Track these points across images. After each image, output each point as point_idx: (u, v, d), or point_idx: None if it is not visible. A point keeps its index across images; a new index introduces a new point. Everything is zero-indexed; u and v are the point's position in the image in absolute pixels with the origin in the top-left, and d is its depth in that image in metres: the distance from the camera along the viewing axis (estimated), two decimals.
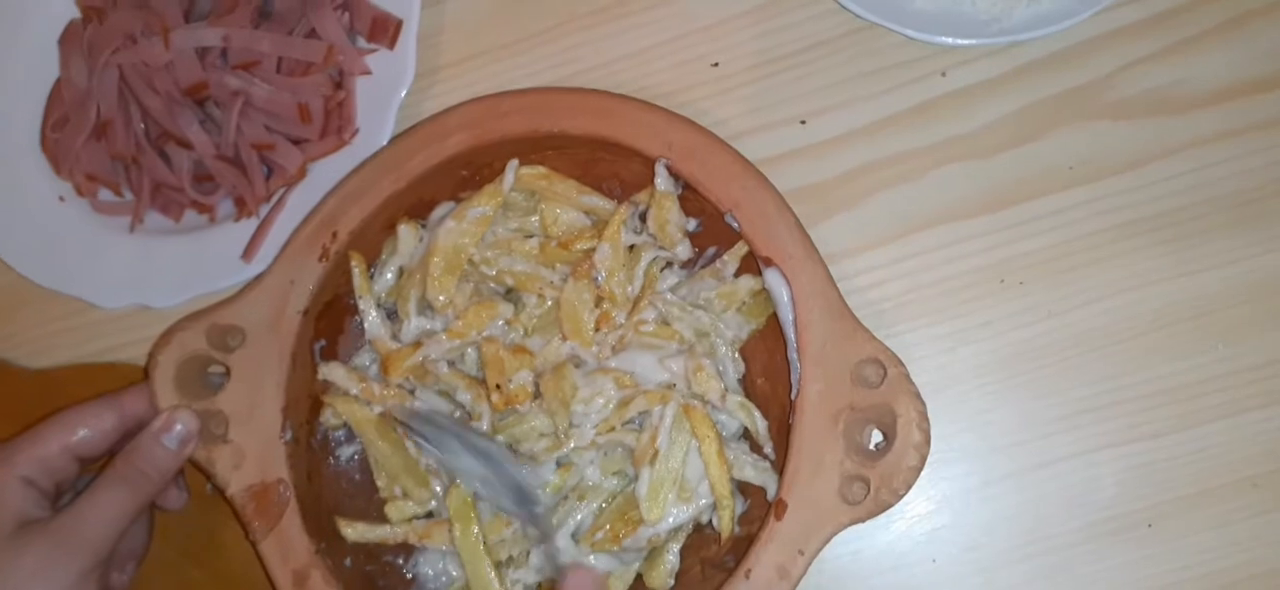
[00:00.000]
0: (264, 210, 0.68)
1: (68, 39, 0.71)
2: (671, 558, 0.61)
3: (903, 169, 0.65)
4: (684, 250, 0.63)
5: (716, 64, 0.68)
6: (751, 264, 0.61)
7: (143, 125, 0.69)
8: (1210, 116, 0.63)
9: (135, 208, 0.70)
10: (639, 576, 0.61)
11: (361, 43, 0.69)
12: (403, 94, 0.67)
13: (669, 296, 0.62)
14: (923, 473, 0.60)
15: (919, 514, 0.63)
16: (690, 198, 0.62)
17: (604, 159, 0.63)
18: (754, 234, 0.59)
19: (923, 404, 0.55)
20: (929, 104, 0.65)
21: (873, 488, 0.55)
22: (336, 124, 0.68)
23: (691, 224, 0.64)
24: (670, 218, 0.62)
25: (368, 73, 0.68)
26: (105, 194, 0.72)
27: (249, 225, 0.68)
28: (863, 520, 0.55)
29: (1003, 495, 0.62)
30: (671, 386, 0.60)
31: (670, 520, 0.59)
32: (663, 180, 0.61)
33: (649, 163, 0.62)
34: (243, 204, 0.68)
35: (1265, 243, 0.62)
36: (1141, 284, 0.63)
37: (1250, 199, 0.63)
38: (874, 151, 0.66)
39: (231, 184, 0.68)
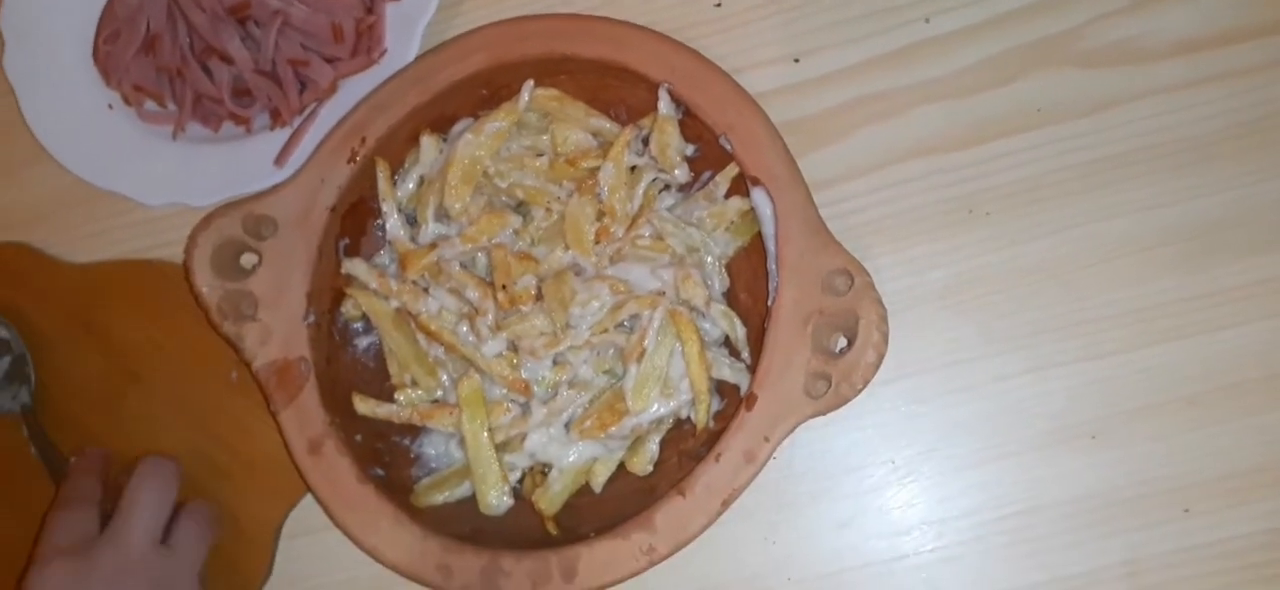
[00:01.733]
0: (297, 122, 0.74)
1: None
2: (652, 447, 0.66)
3: (885, 106, 0.70)
4: (681, 174, 0.68)
5: (719, 4, 0.73)
6: (741, 186, 0.66)
7: (188, 40, 0.75)
8: (1169, 67, 0.67)
9: (178, 117, 0.76)
10: (621, 464, 0.66)
11: None
12: (428, 19, 0.73)
13: (664, 214, 0.67)
14: (887, 384, 0.66)
15: (881, 420, 0.68)
16: (689, 124, 0.67)
17: (612, 85, 0.68)
18: (745, 156, 0.64)
19: (883, 309, 0.60)
20: (912, 47, 0.70)
21: (834, 383, 0.60)
22: (366, 44, 0.74)
23: (689, 149, 0.68)
24: (670, 142, 0.67)
25: None
26: (150, 105, 0.78)
27: (282, 135, 0.74)
28: (824, 412, 0.60)
29: (960, 405, 0.67)
30: (661, 293, 0.65)
31: (653, 411, 0.64)
32: (665, 104, 0.67)
33: (653, 91, 0.67)
34: (278, 115, 0.74)
35: (1212, 185, 0.66)
36: (1097, 218, 0.67)
37: (1200, 144, 0.67)
38: (860, 89, 0.70)
39: (267, 96, 0.74)
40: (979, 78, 0.69)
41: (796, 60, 0.71)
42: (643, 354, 0.64)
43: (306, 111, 0.74)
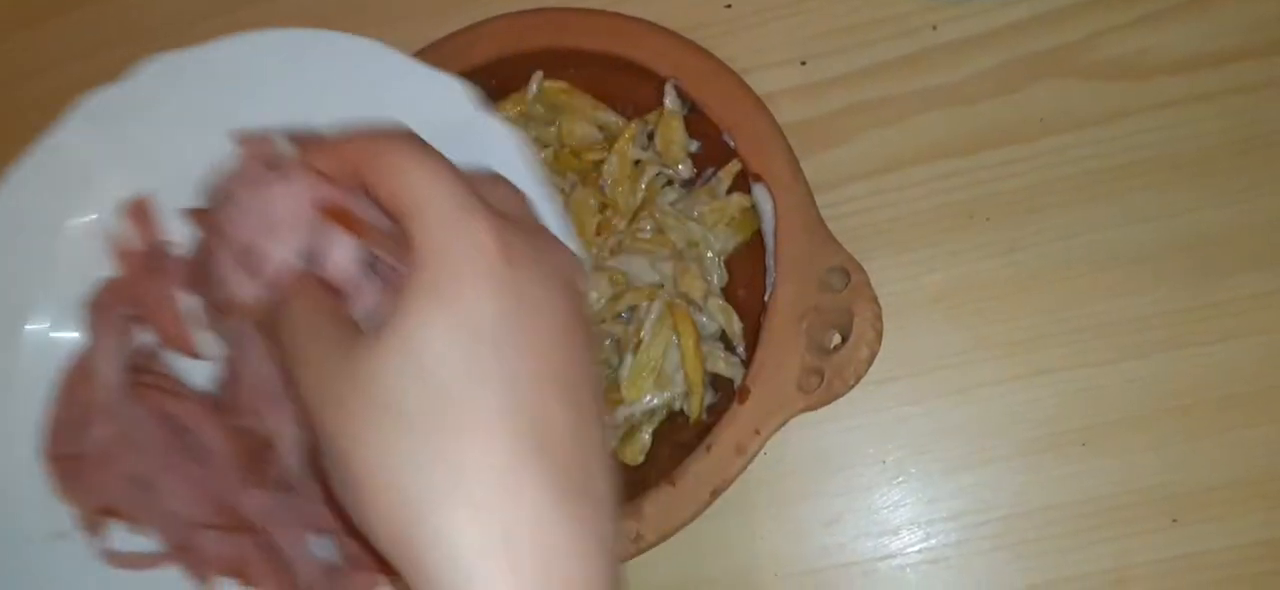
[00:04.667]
0: None
1: None
2: (644, 437, 0.66)
3: (890, 111, 0.70)
4: (685, 170, 0.69)
5: (729, 5, 0.74)
6: (743, 183, 0.66)
7: None
8: (1171, 83, 0.68)
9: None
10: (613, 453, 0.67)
11: None
12: None
13: (666, 208, 0.68)
14: (880, 385, 0.67)
15: (872, 421, 0.68)
16: (694, 120, 0.67)
17: (620, 81, 0.69)
18: (748, 153, 0.65)
19: (878, 307, 0.60)
20: (919, 54, 0.71)
21: (826, 378, 0.60)
22: None
23: (693, 145, 0.69)
24: (675, 137, 0.68)
25: None
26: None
27: None
28: (815, 407, 0.60)
29: (952, 408, 0.67)
30: (660, 286, 0.66)
31: (646, 402, 0.64)
32: (671, 99, 0.67)
33: (660, 87, 0.67)
34: None
35: (1210, 200, 0.67)
36: (1095, 228, 0.67)
37: (1199, 159, 0.67)
38: (865, 94, 0.71)
39: None
40: (983, 86, 0.70)
41: (803, 62, 0.72)
42: (639, 345, 0.64)
43: None
